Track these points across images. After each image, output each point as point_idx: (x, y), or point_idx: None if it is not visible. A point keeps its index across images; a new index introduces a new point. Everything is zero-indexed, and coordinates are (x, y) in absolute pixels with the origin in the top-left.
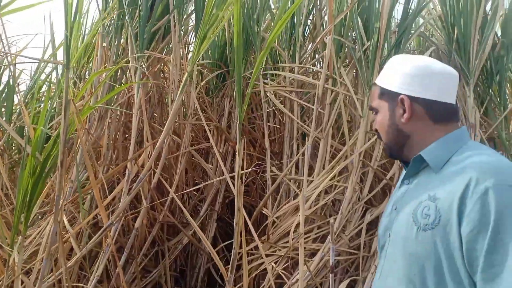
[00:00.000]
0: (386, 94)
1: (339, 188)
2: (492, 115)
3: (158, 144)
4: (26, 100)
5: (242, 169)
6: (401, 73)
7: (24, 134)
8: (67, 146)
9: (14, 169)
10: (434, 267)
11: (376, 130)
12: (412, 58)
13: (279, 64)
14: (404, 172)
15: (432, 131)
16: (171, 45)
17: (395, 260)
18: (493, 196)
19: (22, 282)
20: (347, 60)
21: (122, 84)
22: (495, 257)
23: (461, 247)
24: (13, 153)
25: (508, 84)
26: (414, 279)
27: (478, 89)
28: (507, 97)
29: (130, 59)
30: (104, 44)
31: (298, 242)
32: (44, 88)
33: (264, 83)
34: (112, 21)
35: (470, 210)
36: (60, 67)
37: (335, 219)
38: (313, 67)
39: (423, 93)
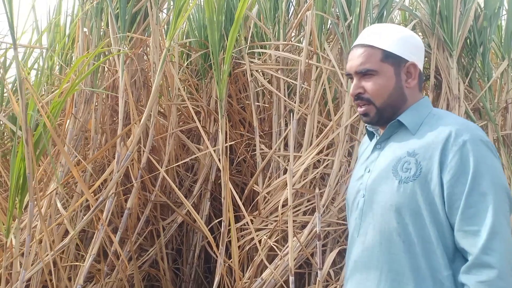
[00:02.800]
0: (391, 58)
1: (327, 162)
2: (477, 86)
3: (142, 121)
4: (15, 87)
5: (231, 147)
6: (405, 40)
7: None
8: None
9: (8, 157)
10: (415, 213)
11: (360, 94)
12: (405, 28)
13: (263, 42)
14: (364, 140)
15: (416, 98)
16: None
17: (374, 214)
18: (470, 148)
19: (21, 265)
20: (331, 37)
21: (106, 68)
22: (472, 199)
23: (441, 193)
24: (5, 141)
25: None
26: (397, 227)
27: (463, 61)
28: (491, 68)
29: (112, 41)
30: (85, 29)
31: (288, 215)
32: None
33: (251, 61)
34: (92, 4)
35: (451, 159)
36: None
37: (323, 191)
38: (297, 44)
39: (420, 63)
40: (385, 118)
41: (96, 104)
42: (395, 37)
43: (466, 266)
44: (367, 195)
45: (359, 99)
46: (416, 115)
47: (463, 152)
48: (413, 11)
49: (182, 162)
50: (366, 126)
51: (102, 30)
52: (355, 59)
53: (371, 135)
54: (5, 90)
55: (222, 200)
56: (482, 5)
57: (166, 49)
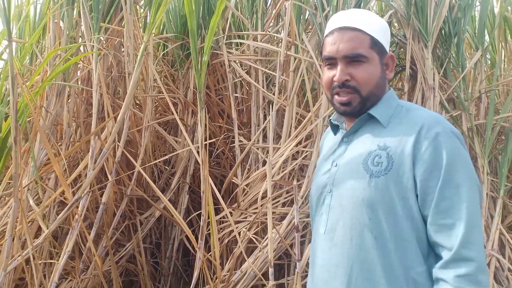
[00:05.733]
0: (378, 47)
1: (306, 153)
2: (451, 77)
3: (119, 117)
4: None
5: (210, 139)
6: (385, 30)
7: None
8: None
9: None
10: (388, 208)
11: (346, 81)
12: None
13: (241, 32)
14: (329, 133)
15: (386, 90)
16: None
17: (343, 210)
18: (442, 140)
19: None
20: (309, 27)
21: (81, 60)
22: (447, 191)
23: (414, 187)
24: None
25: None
26: (369, 223)
27: (438, 51)
28: (465, 59)
29: (84, 32)
30: (56, 20)
31: (267, 207)
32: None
33: (229, 52)
34: None
35: (423, 152)
36: (14, 44)
37: (301, 183)
38: (275, 34)
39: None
40: (365, 108)
41: (69, 97)
42: (378, 25)
43: (443, 261)
44: (335, 190)
45: (344, 86)
46: (387, 108)
47: (436, 144)
48: (389, 1)
49: (161, 159)
50: (330, 119)
51: (74, 19)
52: (344, 42)
53: (335, 129)
54: None
55: (201, 194)
56: None
57: (145, 43)
